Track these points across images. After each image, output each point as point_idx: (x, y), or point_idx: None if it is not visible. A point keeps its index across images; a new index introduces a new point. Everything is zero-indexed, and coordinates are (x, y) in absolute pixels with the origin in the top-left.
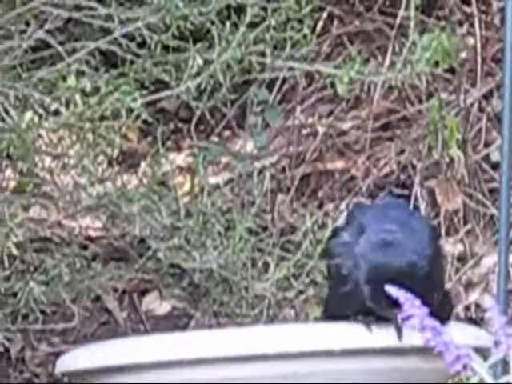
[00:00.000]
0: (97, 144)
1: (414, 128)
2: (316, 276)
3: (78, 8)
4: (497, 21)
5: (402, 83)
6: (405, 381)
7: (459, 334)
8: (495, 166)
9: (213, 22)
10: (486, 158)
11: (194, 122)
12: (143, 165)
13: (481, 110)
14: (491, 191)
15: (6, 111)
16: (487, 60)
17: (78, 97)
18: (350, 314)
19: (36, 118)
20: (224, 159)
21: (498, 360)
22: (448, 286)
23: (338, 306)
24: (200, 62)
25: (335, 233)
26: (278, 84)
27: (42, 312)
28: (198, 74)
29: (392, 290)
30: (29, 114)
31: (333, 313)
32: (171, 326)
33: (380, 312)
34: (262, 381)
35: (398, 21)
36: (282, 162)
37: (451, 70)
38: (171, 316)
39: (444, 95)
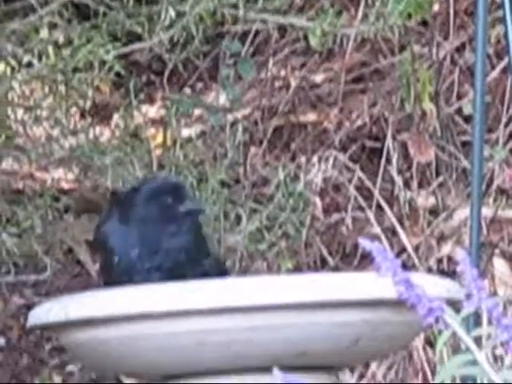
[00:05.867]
0: (69, 96)
1: (386, 81)
2: (288, 228)
3: None
4: None
5: (375, 36)
6: (375, 333)
7: (432, 286)
8: (467, 119)
9: None
10: (459, 111)
11: (166, 74)
12: (116, 117)
13: (453, 62)
14: (464, 144)
15: None
16: (460, 13)
17: (50, 49)
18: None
19: (8, 70)
20: (196, 111)
21: (469, 313)
22: (420, 238)
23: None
24: (173, 14)
25: None
26: (250, 36)
27: (14, 264)
28: (170, 26)
29: (366, 243)
30: (1, 66)
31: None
32: None
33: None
34: (234, 333)
35: None
36: (254, 114)
37: (424, 23)
38: None
39: (416, 48)
